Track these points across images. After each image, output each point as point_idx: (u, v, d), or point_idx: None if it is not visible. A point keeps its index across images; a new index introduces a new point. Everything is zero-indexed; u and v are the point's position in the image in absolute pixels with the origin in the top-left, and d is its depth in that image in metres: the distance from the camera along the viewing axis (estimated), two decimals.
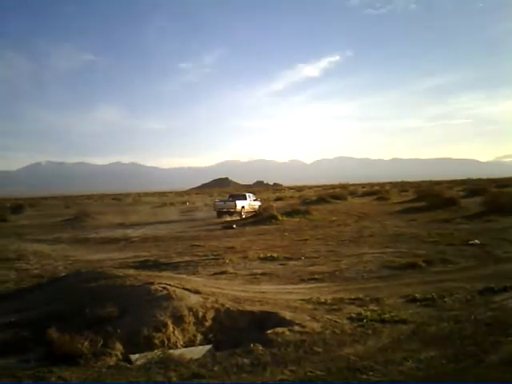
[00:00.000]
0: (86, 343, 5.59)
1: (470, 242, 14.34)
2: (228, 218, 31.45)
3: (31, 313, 7.60)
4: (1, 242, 22.47)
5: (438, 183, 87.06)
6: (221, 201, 37.14)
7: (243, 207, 34.19)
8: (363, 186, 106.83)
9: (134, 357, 5.53)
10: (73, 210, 45.71)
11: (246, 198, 35.77)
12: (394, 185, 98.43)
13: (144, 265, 13.46)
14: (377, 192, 55.73)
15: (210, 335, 6.26)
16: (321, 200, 42.98)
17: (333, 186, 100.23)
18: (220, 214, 33.67)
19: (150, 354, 5.58)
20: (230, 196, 38.97)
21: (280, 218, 26.32)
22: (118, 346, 5.72)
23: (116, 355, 5.59)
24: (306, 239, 17.79)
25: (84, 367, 5.29)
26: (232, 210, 33.36)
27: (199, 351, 5.75)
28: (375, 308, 7.43)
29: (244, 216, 32.20)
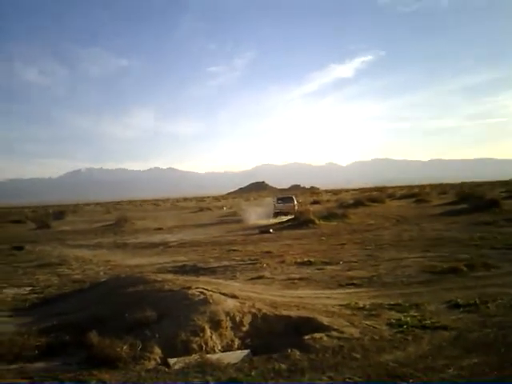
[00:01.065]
0: (125, 347, 5.68)
1: None
2: (284, 218, 32.78)
3: (73, 316, 7.79)
4: (44, 247, 23.14)
5: (479, 185, 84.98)
6: (280, 202, 39.30)
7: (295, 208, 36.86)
8: (401, 188, 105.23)
9: (172, 361, 5.58)
10: (113, 216, 46.70)
11: (293, 200, 38.88)
12: (433, 187, 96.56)
13: (182, 270, 13.60)
14: (415, 194, 54.70)
15: (248, 340, 6.27)
16: (358, 203, 42.49)
17: (370, 189, 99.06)
18: (276, 214, 36.41)
19: (187, 359, 5.62)
20: (278, 199, 40.89)
21: (317, 221, 26.16)
22: (157, 349, 5.79)
23: (155, 359, 5.66)
24: (344, 243, 17.62)
25: (123, 371, 5.38)
26: (290, 211, 35.32)
27: (237, 356, 5.76)
28: (415, 314, 7.29)
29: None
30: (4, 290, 11.97)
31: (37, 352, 6.15)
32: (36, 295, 11.02)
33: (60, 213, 60.30)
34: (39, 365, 5.82)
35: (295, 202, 38.95)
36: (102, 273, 14.28)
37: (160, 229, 31.57)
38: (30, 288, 12.17)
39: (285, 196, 43.33)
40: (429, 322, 6.72)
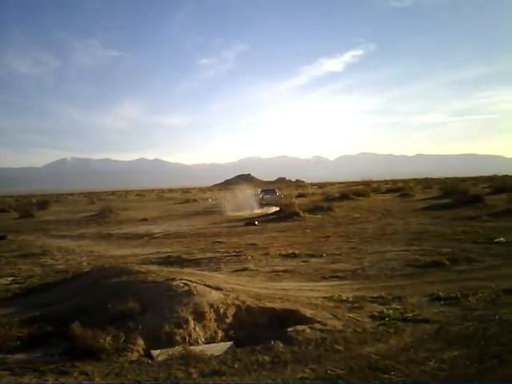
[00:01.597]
0: (108, 338, 5.65)
1: (496, 240, 14.06)
2: (270, 209, 33.25)
3: (56, 307, 7.74)
4: (27, 237, 22.92)
5: (463, 180, 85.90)
6: (266, 194, 42.30)
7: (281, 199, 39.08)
8: (386, 182, 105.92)
9: (155, 352, 5.57)
10: (97, 206, 46.35)
11: (276, 192, 42.14)
12: (417, 181, 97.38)
13: (166, 261, 13.54)
14: (400, 189, 55.13)
15: (231, 332, 6.27)
16: (343, 197, 42.73)
17: (356, 183, 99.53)
18: (262, 205, 37.74)
19: (171, 350, 5.61)
20: (262, 191, 43.96)
21: (302, 214, 26.23)
22: (140, 341, 5.77)
23: (138, 351, 5.63)
24: (329, 236, 17.70)
25: (106, 362, 5.35)
26: (277, 203, 36.49)
27: (220, 348, 5.77)
28: (398, 306, 7.35)
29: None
30: None
31: (18, 343, 6.08)
32: (18, 285, 10.90)
33: (44, 202, 59.65)
34: (21, 356, 5.75)
35: (278, 194, 41.57)
36: (85, 263, 14.18)
37: (145, 220, 31.41)
38: (11, 278, 12.04)
39: (268, 188, 46.58)
40: (411, 314, 6.78)
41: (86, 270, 12.00)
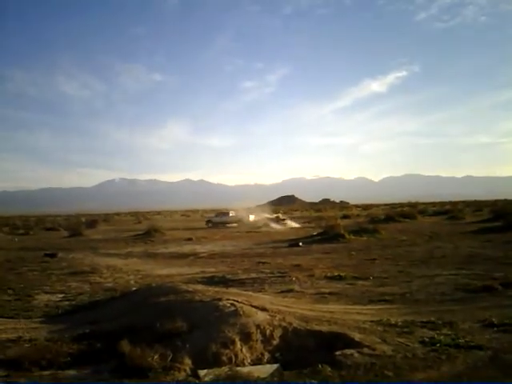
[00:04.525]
0: (156, 357, 5.70)
1: None
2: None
3: (105, 325, 7.87)
4: (76, 255, 23.53)
5: None
6: (218, 217, 53.40)
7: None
8: (434, 204, 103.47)
9: (202, 372, 5.57)
10: (143, 226, 47.19)
11: (229, 215, 53.04)
12: (466, 204, 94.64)
13: (211, 281, 13.62)
14: (448, 211, 53.74)
15: (277, 354, 6.19)
16: (389, 219, 41.98)
17: (401, 205, 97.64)
18: (215, 225, 49.97)
19: (217, 371, 5.59)
20: (217, 214, 55.35)
21: (347, 236, 25.93)
22: (187, 360, 5.78)
23: (185, 370, 5.64)
24: (375, 259, 17.38)
25: (154, 381, 5.39)
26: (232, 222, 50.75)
27: (267, 370, 5.70)
28: (449, 332, 7.10)
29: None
30: (37, 296, 12.21)
31: (69, 359, 6.22)
32: (68, 302, 11.20)
33: (92, 221, 61.34)
34: (71, 372, 5.87)
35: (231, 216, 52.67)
36: (132, 281, 14.42)
37: (190, 239, 31.76)
38: (62, 295, 12.38)
39: (222, 212, 57.08)
40: (463, 340, 6.54)
41: (134, 288, 12.19)
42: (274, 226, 45.52)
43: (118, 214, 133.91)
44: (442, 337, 6.75)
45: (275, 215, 53.61)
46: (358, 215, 59.61)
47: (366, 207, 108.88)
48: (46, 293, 12.79)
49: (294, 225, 46.48)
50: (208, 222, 52.31)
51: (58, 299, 11.79)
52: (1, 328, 8.33)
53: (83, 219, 75.16)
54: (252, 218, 51.65)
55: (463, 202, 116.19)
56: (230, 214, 53.25)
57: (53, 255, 22.50)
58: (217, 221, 51.63)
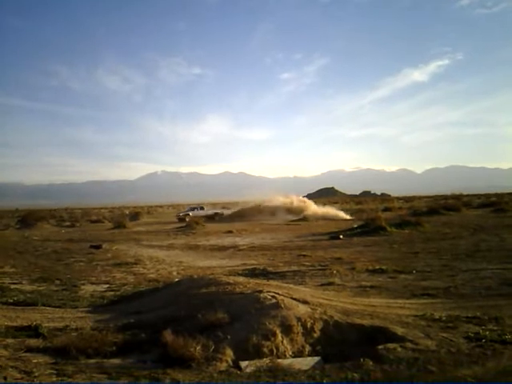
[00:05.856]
0: (198, 347, 5.77)
1: None
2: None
3: (148, 315, 8.04)
4: (120, 246, 24.08)
5: None
6: (190, 210, 54.25)
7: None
8: (479, 196, 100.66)
9: (243, 363, 5.62)
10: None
11: (204, 209, 55.25)
12: None
13: (252, 273, 13.69)
14: (494, 203, 52.08)
15: (318, 347, 6.19)
16: (432, 211, 41.03)
17: (445, 197, 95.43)
18: (180, 218, 50.01)
19: (259, 362, 5.63)
20: (191, 208, 56.28)
21: (389, 229, 25.54)
22: (229, 351, 5.84)
23: (226, 361, 5.70)
24: (417, 252, 17.08)
25: (196, 371, 5.46)
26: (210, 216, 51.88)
27: (308, 362, 5.71)
28: (495, 328, 6.91)
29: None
30: (83, 287, 12.58)
31: (114, 348, 6.37)
32: (113, 293, 11.49)
33: (135, 214, 62.61)
34: (116, 361, 6.02)
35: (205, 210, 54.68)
36: (175, 273, 14.67)
37: (230, 232, 31.97)
38: (107, 285, 12.72)
39: (195, 206, 58.64)
40: (509, 336, 6.34)
41: (176, 279, 12.38)
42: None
43: (160, 207, 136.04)
44: (487, 332, 6.58)
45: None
46: (399, 208, 58.48)
47: (408, 199, 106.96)
48: (92, 283, 13.17)
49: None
50: (181, 215, 51.93)
51: (103, 289, 12.12)
52: (49, 317, 8.61)
53: (127, 211, 76.82)
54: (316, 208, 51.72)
55: (509, 194, 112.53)
56: (206, 208, 55.63)
57: (98, 247, 23.10)
58: (189, 213, 52.00)
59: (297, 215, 49.06)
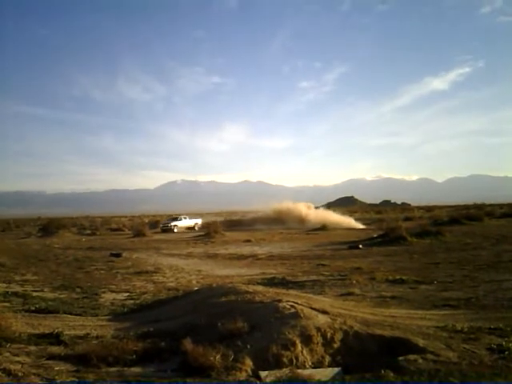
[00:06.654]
0: (218, 356, 5.78)
1: None
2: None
3: (168, 323, 8.08)
4: (140, 255, 24.26)
5: None
6: (170, 221, 53.42)
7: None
8: (501, 206, 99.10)
9: (263, 373, 5.60)
10: (203, 227, 48.01)
11: (181, 219, 53.90)
12: None
13: (271, 282, 13.68)
14: None
15: (338, 357, 6.15)
16: (454, 221, 40.48)
17: (467, 206, 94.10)
18: (165, 229, 50.48)
19: (278, 372, 5.61)
20: (172, 219, 55.03)
21: (409, 238, 25.30)
22: (248, 361, 5.83)
23: (246, 371, 5.70)
24: (438, 262, 16.89)
25: (216, 380, 5.46)
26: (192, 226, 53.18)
27: (328, 373, 5.67)
28: None
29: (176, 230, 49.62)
30: (104, 295, 12.70)
31: (134, 357, 6.42)
32: (133, 301, 11.58)
33: (155, 222, 62.98)
34: (136, 369, 6.07)
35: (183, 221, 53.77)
36: (194, 281, 14.73)
37: (248, 241, 32.02)
38: (127, 294, 12.82)
39: (174, 217, 57.04)
40: None
41: (196, 288, 12.42)
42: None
43: (179, 215, 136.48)
44: (510, 344, 6.47)
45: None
46: (420, 217, 57.90)
47: (428, 209, 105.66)
48: (112, 291, 13.28)
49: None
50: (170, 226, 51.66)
51: (123, 298, 12.22)
52: (70, 325, 8.71)
53: (146, 220, 77.26)
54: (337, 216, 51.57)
55: None
56: (183, 219, 54.31)
57: (118, 255, 23.31)
58: (167, 225, 51.91)
59: (299, 223, 50.23)
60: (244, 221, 59.47)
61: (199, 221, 56.12)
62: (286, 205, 56.36)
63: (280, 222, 52.68)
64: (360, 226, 46.51)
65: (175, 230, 49.87)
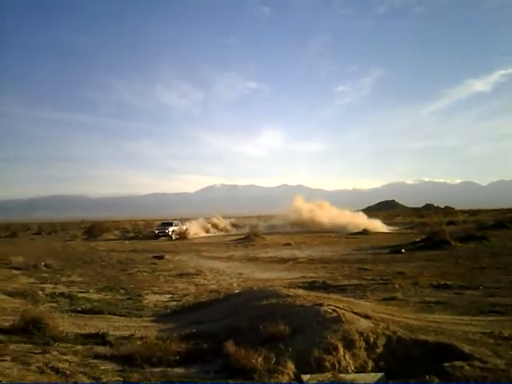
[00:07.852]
0: (260, 359, 5.82)
1: None
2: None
3: (210, 325, 8.17)
4: (181, 257, 24.58)
5: None
6: (163, 226, 49.96)
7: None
8: None
9: (305, 377, 5.59)
10: (244, 230, 48.24)
11: (172, 225, 49.07)
12: None
13: (311, 286, 13.63)
14: None
15: (381, 362, 6.07)
16: (499, 225, 39.26)
17: None
18: (157, 235, 46.74)
19: (321, 376, 5.59)
20: (164, 223, 51.62)
21: (453, 243, 24.74)
22: (290, 364, 5.83)
23: (288, 374, 5.70)
24: (484, 267, 16.44)
25: (258, 382, 5.50)
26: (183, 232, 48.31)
27: (371, 378, 5.61)
28: None
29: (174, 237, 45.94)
30: (147, 296, 12.92)
31: (177, 357, 6.52)
32: (175, 303, 11.75)
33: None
34: (179, 370, 6.16)
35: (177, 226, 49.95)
36: (235, 284, 14.82)
37: (288, 244, 31.98)
38: (169, 295, 13.02)
39: (166, 222, 53.11)
40: None
41: (237, 291, 12.52)
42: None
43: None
44: None
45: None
46: (464, 221, 56.57)
47: (473, 213, 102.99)
48: (155, 293, 13.50)
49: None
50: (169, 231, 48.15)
51: (165, 299, 12.41)
52: (115, 325, 8.92)
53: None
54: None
55: None
56: (174, 224, 50.36)
57: (160, 257, 23.69)
58: (163, 231, 48.19)
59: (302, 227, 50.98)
60: (276, 226, 58.93)
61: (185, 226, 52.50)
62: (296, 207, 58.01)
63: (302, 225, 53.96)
64: (385, 229, 45.76)
65: (173, 237, 46.05)
